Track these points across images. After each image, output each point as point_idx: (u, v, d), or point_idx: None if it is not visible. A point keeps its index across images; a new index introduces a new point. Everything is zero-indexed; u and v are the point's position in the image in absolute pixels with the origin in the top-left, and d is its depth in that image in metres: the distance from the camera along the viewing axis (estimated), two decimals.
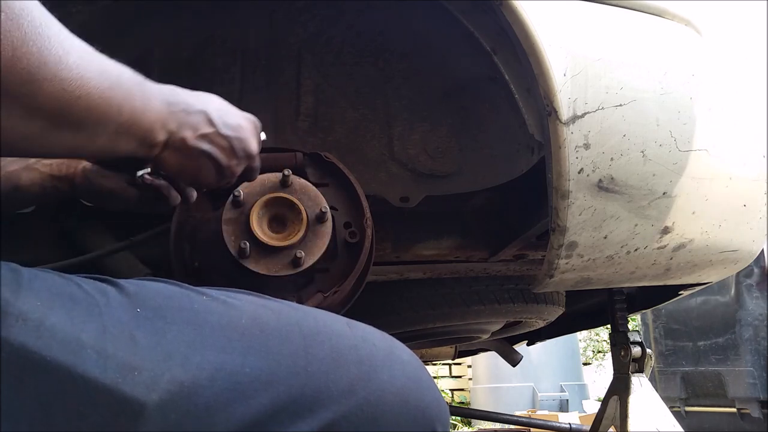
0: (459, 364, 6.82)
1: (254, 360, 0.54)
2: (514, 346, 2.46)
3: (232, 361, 0.53)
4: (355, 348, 0.60)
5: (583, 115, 0.91)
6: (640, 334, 1.57)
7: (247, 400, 0.52)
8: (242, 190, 0.86)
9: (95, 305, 0.50)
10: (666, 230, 1.03)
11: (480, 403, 5.91)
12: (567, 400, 5.67)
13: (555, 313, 1.75)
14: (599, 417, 1.55)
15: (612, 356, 1.57)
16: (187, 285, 0.58)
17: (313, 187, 0.91)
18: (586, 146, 0.92)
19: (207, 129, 0.66)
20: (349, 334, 0.62)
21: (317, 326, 0.60)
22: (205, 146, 0.66)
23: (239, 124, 0.70)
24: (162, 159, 0.63)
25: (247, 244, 0.84)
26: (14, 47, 0.43)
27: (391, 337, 0.66)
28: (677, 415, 2.30)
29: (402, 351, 0.65)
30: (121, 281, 0.54)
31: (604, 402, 1.55)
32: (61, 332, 0.47)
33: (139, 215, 1.23)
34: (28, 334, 0.46)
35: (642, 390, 1.48)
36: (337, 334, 0.61)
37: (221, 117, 0.67)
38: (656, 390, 1.54)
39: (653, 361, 1.57)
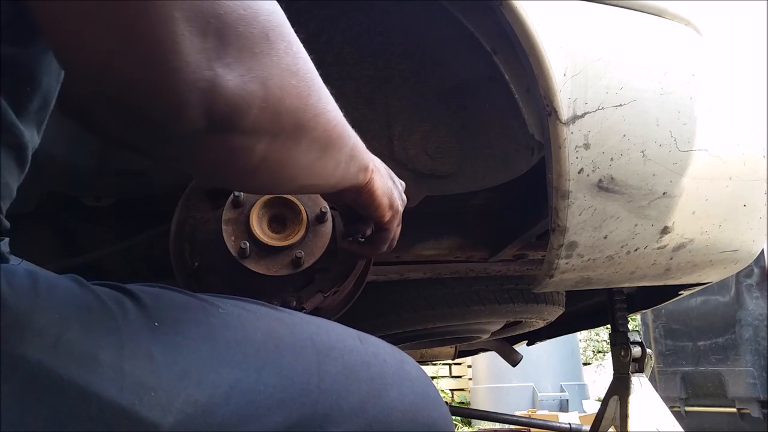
0: (459, 364, 6.82)
1: (268, 377, 0.53)
2: (514, 346, 2.46)
3: (247, 378, 0.52)
4: (366, 364, 0.60)
5: (583, 115, 0.91)
6: (640, 334, 1.57)
7: (260, 419, 0.51)
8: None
9: (112, 318, 0.49)
10: (666, 230, 1.03)
11: (480, 403, 5.91)
12: (567, 400, 5.67)
13: (555, 313, 1.75)
14: (599, 417, 1.55)
15: (612, 356, 1.57)
16: (201, 295, 0.57)
17: None
18: (586, 146, 0.92)
19: (385, 168, 0.74)
20: (360, 349, 0.62)
21: (330, 341, 0.60)
22: (387, 172, 0.74)
23: None
24: (373, 181, 0.69)
25: (247, 244, 0.84)
26: (308, 85, 0.48)
27: (400, 351, 0.66)
28: (677, 415, 2.30)
29: (411, 366, 0.65)
30: (136, 290, 0.53)
31: (604, 402, 1.55)
32: (78, 349, 0.45)
33: (137, 213, 1.23)
34: (46, 351, 0.44)
35: (642, 390, 1.48)
36: (350, 350, 0.60)
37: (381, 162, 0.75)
38: (656, 390, 1.54)
39: (653, 361, 1.57)
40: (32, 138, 0.53)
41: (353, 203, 0.72)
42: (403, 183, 0.81)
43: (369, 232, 0.83)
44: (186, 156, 0.48)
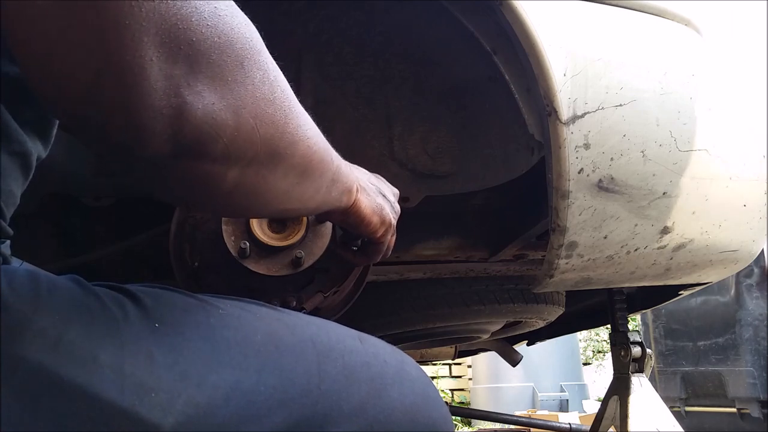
0: (459, 364, 6.82)
1: (268, 377, 0.53)
2: (514, 346, 2.46)
3: (248, 379, 0.52)
4: (366, 365, 0.60)
5: (583, 115, 0.91)
6: (640, 334, 1.57)
7: (261, 420, 0.52)
8: None
9: (113, 319, 0.48)
10: (666, 230, 1.03)
11: (480, 403, 5.91)
12: (567, 400, 5.67)
13: (555, 313, 1.75)
14: (599, 417, 1.55)
15: (612, 356, 1.57)
16: (201, 296, 0.57)
17: None
18: (586, 146, 0.92)
19: (372, 179, 0.75)
20: (361, 350, 0.62)
21: (330, 342, 0.60)
22: (375, 188, 0.74)
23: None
24: (359, 201, 0.68)
25: (247, 244, 0.84)
26: (285, 114, 0.49)
27: (400, 352, 0.67)
28: (677, 415, 2.30)
29: (411, 367, 0.65)
30: (136, 291, 0.53)
31: (604, 402, 1.55)
32: (78, 350, 0.45)
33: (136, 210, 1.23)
34: (46, 352, 0.44)
35: (642, 390, 1.48)
36: (350, 351, 0.60)
37: (370, 177, 0.76)
38: (656, 390, 1.54)
39: (653, 361, 1.57)
40: (36, 147, 0.53)
41: (342, 224, 0.72)
42: (397, 192, 0.81)
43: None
44: (156, 179, 0.48)
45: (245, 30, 0.45)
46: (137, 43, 0.38)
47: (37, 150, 0.54)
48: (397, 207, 0.79)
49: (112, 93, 0.39)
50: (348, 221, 0.71)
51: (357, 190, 0.68)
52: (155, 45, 0.39)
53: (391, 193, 0.79)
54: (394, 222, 0.78)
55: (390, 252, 0.82)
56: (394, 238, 0.81)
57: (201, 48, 0.41)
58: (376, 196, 0.73)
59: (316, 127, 0.56)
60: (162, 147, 0.42)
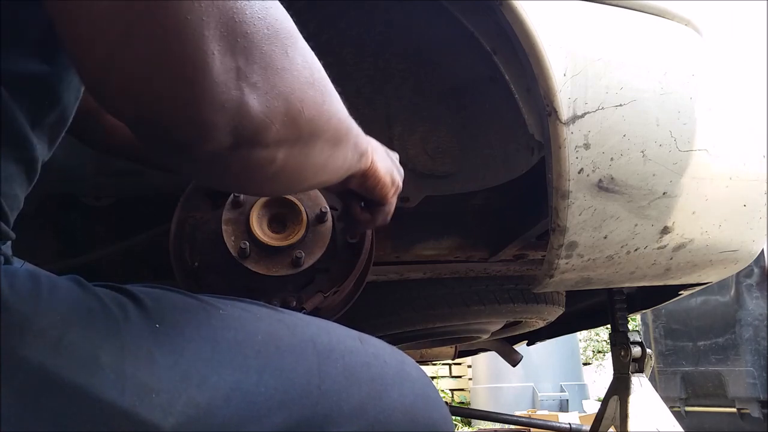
0: (459, 364, 6.82)
1: (269, 378, 0.53)
2: (514, 346, 2.46)
3: (248, 379, 0.52)
4: (367, 365, 0.60)
5: (583, 115, 0.91)
6: (640, 334, 1.57)
7: (261, 420, 0.52)
8: None
9: (114, 320, 0.48)
10: (666, 230, 1.04)
11: (480, 403, 5.91)
12: (567, 400, 5.67)
13: (555, 313, 1.75)
14: (599, 417, 1.55)
15: (612, 356, 1.57)
16: (201, 297, 0.57)
17: None
18: (586, 146, 0.92)
19: (380, 145, 0.74)
20: (361, 350, 0.62)
21: (330, 342, 0.60)
22: (384, 149, 0.74)
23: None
24: (375, 162, 0.69)
25: (247, 244, 0.84)
26: (322, 93, 0.50)
27: (401, 352, 0.67)
28: (677, 415, 2.30)
29: (411, 367, 0.65)
30: (137, 291, 0.53)
31: (604, 402, 1.55)
32: (79, 351, 0.45)
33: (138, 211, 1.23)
34: (47, 352, 0.44)
35: (642, 390, 1.48)
36: (350, 351, 0.60)
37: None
38: (656, 390, 1.54)
39: (653, 361, 1.57)
40: (43, 151, 0.53)
41: (360, 188, 0.72)
42: (397, 154, 0.81)
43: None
44: (208, 172, 0.49)
45: (286, 19, 0.46)
46: (199, 38, 0.39)
47: (42, 154, 0.54)
48: (401, 168, 0.80)
49: (176, 90, 0.39)
50: (366, 184, 0.71)
51: (372, 151, 0.69)
52: (216, 39, 0.39)
53: (394, 155, 0.80)
54: (401, 183, 0.78)
55: (390, 217, 0.82)
56: (396, 200, 0.81)
57: (254, 39, 0.42)
58: (386, 156, 0.75)
59: (338, 94, 0.57)
60: (223, 140, 0.43)
